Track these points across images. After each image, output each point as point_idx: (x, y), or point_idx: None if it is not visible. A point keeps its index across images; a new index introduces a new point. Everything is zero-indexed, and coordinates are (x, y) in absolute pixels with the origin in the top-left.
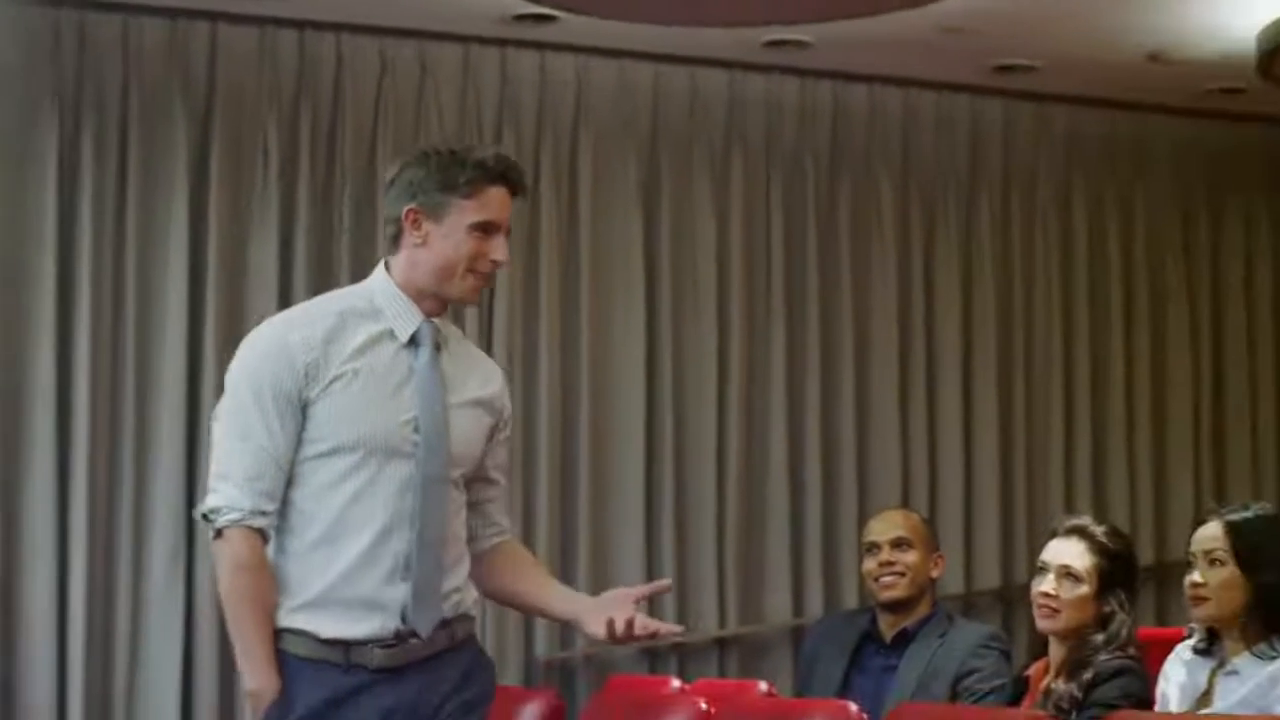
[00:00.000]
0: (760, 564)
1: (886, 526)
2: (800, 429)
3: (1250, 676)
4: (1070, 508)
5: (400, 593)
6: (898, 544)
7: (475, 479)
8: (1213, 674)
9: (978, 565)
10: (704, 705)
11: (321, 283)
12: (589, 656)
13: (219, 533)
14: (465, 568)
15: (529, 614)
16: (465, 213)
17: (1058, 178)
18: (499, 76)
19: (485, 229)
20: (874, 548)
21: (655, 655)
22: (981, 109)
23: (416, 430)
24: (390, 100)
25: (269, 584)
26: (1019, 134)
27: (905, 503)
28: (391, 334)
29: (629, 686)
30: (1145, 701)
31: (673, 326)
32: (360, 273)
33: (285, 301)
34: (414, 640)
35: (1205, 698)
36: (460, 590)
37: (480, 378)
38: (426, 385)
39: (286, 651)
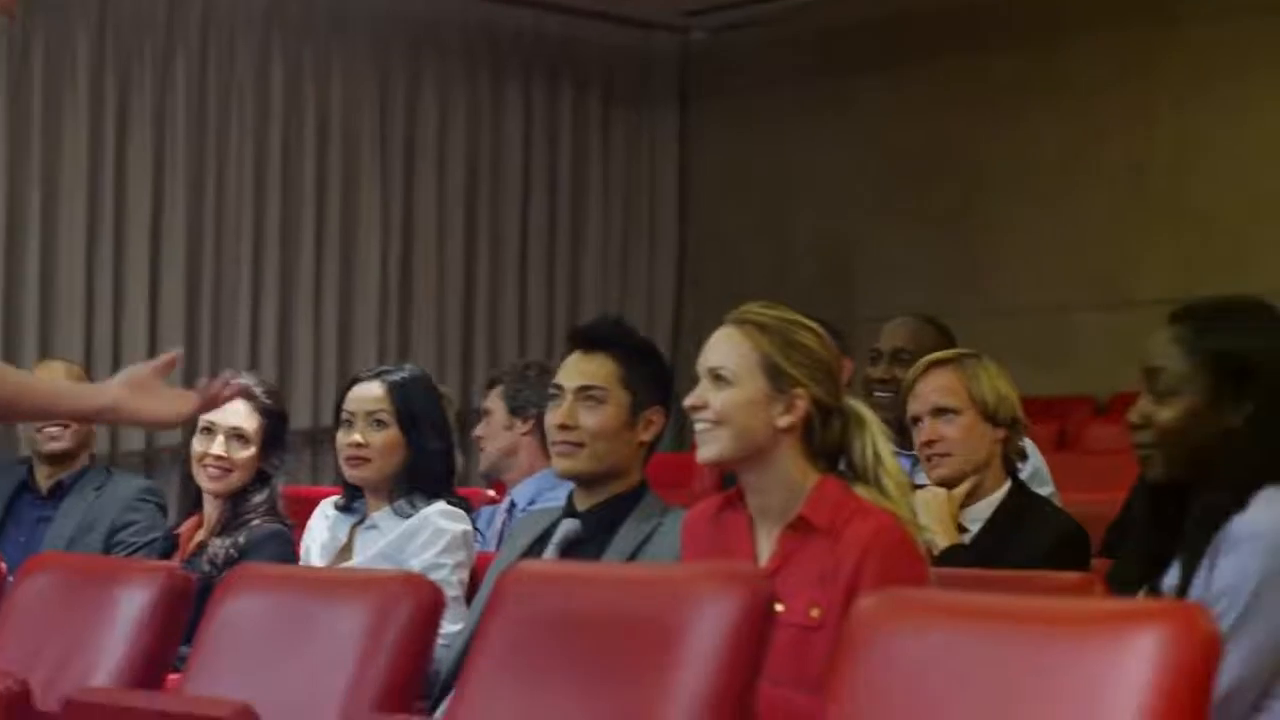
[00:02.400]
0: None
1: (51, 377)
2: None
3: (389, 531)
4: (255, 367)
5: None
6: None
7: None
8: (353, 529)
9: None
10: None
11: None
12: None
13: None
14: None
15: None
16: None
17: (257, 37)
18: None
19: None
20: None
21: None
22: None
23: None
24: None
25: None
26: None
27: (88, 360)
28: None
29: None
30: (293, 561)
31: None
32: None
33: None
34: None
35: (345, 551)
36: None
37: None
38: None
39: None
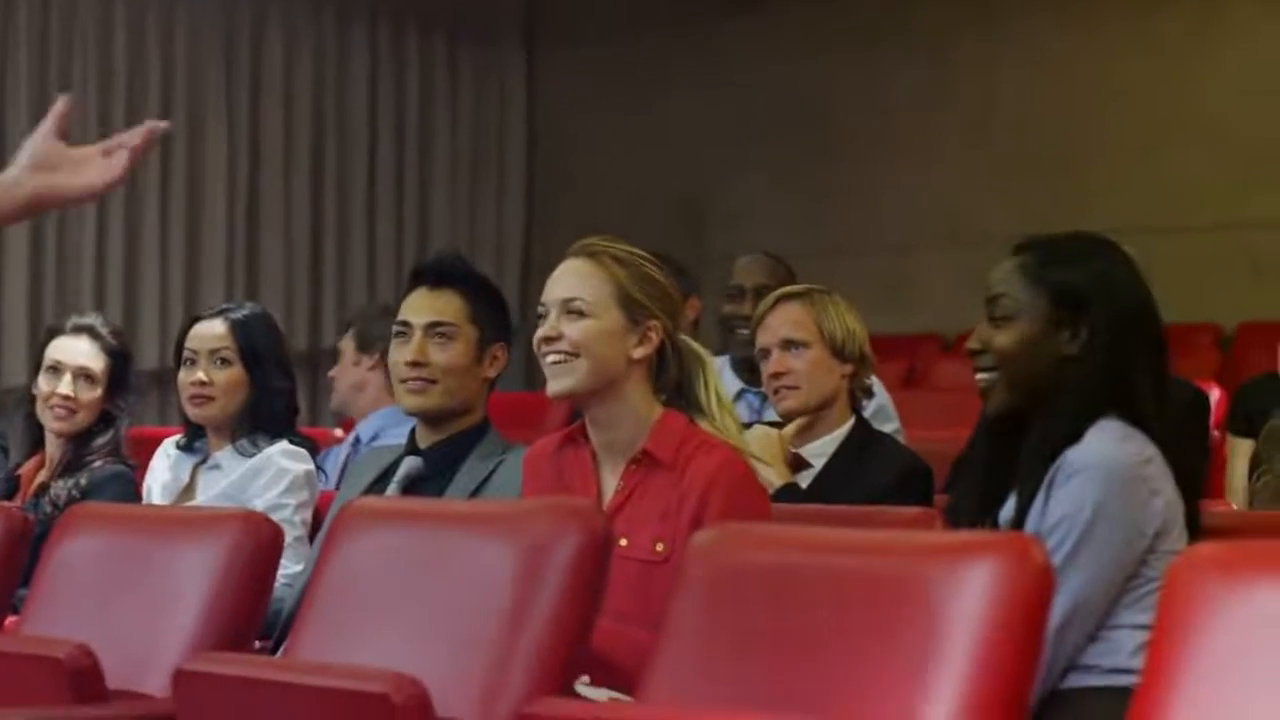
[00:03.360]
0: None
1: None
2: None
3: (231, 471)
4: (101, 308)
5: None
6: None
7: None
8: (195, 469)
9: (7, 364)
10: None
11: None
12: None
13: None
14: None
15: None
16: None
17: None
18: None
19: None
20: None
21: None
22: None
23: None
24: None
25: None
26: None
27: None
28: None
29: None
30: (135, 501)
31: None
32: None
33: None
34: None
35: (188, 491)
36: None
37: None
38: None
39: None
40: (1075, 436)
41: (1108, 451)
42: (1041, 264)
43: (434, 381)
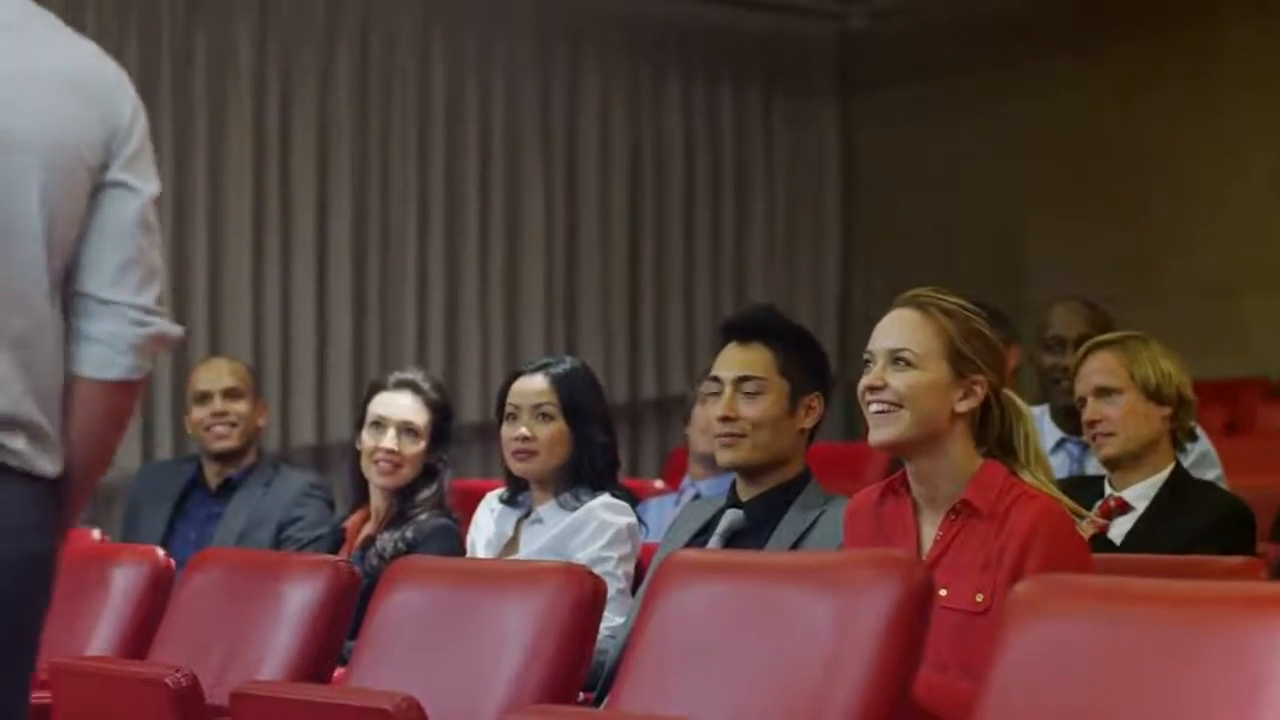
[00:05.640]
0: None
1: (217, 376)
2: None
3: (554, 524)
4: (423, 362)
5: None
6: (229, 393)
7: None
8: (519, 523)
9: (331, 418)
10: None
11: None
12: None
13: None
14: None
15: None
16: None
17: (416, 31)
18: None
19: None
20: (205, 397)
21: None
22: None
23: None
24: None
25: None
26: None
27: (256, 360)
28: None
29: None
30: (460, 555)
31: None
32: None
33: None
34: None
35: (511, 545)
36: None
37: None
38: None
39: None
40: None
41: None
42: None
43: (744, 435)
